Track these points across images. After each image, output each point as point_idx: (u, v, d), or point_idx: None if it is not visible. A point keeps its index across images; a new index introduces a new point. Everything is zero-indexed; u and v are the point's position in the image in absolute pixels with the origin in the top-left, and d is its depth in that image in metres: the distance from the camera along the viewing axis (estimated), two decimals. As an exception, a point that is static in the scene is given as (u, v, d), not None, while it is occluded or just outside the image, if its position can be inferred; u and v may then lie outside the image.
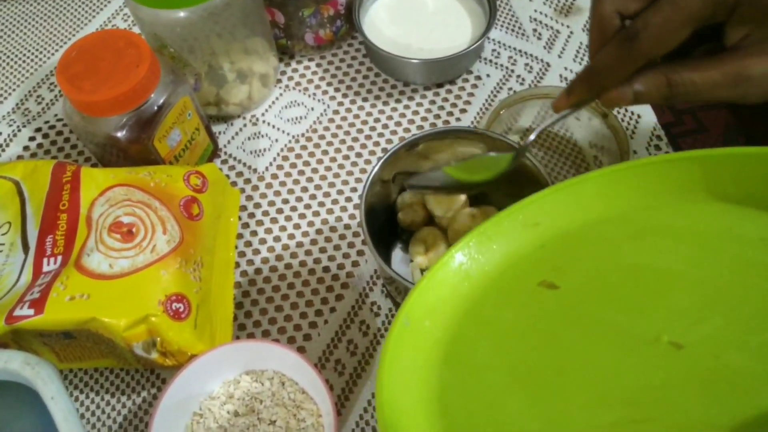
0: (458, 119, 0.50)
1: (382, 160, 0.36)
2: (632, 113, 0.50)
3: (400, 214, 0.40)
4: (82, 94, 0.38)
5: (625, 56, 0.29)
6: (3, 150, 0.50)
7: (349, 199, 0.47)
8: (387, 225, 0.41)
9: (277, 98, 0.52)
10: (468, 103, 0.50)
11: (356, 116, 0.50)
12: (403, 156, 0.37)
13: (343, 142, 0.49)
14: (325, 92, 0.52)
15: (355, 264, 0.44)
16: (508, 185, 0.38)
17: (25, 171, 0.42)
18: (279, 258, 0.45)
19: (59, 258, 0.38)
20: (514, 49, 0.53)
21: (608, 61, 0.30)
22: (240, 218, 0.46)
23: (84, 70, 0.39)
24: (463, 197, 0.39)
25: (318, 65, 0.53)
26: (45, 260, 0.38)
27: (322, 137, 0.50)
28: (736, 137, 0.74)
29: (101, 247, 0.37)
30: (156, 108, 0.41)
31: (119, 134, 0.40)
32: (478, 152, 0.39)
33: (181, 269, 0.38)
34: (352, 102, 0.51)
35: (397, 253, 0.43)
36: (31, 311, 0.35)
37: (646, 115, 0.49)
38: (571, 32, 0.54)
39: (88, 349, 0.39)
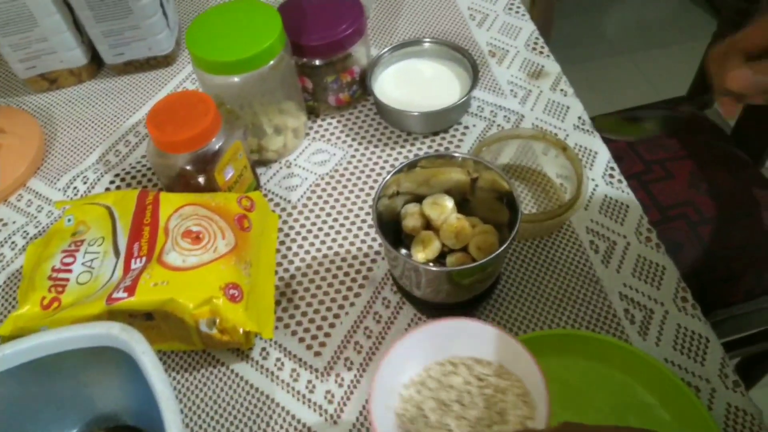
0: (451, 158, 0.62)
1: (389, 175, 0.48)
2: (590, 150, 0.62)
3: (404, 221, 0.51)
4: (165, 135, 0.51)
5: None
6: (90, 191, 0.63)
7: (363, 221, 0.58)
8: (393, 235, 0.52)
9: (306, 147, 0.65)
10: (458, 147, 0.63)
11: (369, 159, 0.63)
12: (404, 175, 0.49)
13: (359, 178, 0.62)
14: (344, 141, 0.65)
15: (369, 269, 0.55)
16: (489, 203, 0.50)
17: (116, 198, 0.54)
18: (309, 266, 0.56)
19: (143, 258, 0.50)
20: (495, 104, 0.66)
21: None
22: (278, 237, 0.58)
23: (166, 119, 0.52)
24: (451, 205, 0.50)
25: (338, 121, 0.67)
26: (133, 260, 0.50)
27: (342, 175, 0.62)
28: (699, 183, 0.86)
29: (176, 248, 0.49)
30: (216, 148, 0.54)
31: (189, 167, 0.53)
32: (463, 176, 0.51)
33: (235, 265, 0.50)
34: (366, 148, 0.64)
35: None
36: (125, 294, 0.47)
37: (601, 152, 0.61)
38: (541, 91, 0.67)
39: (162, 332, 0.50)
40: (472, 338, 0.40)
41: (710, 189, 0.85)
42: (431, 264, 0.50)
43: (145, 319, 0.49)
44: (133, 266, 0.50)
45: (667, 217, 0.82)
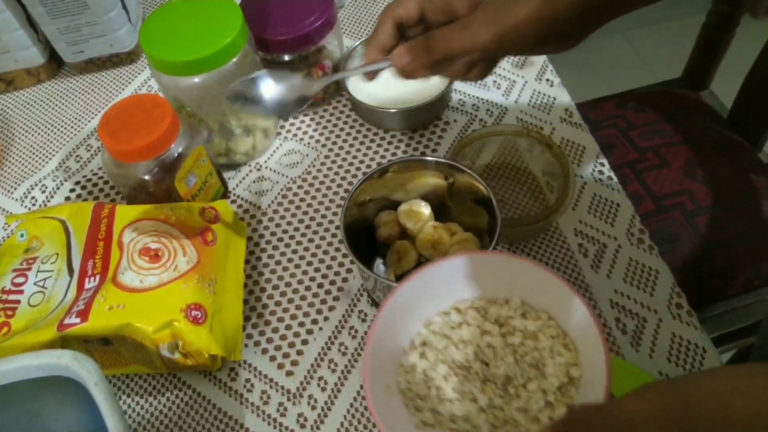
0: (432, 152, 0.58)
1: (356, 186, 0.44)
2: (578, 145, 0.58)
3: (378, 231, 0.48)
4: (119, 144, 0.47)
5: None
6: (48, 200, 0.59)
7: (338, 227, 0.55)
8: (367, 244, 0.49)
9: (277, 148, 0.61)
10: (438, 144, 0.59)
11: (344, 159, 0.59)
12: (376, 182, 0.46)
13: (333, 180, 0.58)
14: (317, 141, 0.61)
15: (344, 280, 0.52)
16: (468, 208, 0.46)
17: (71, 211, 0.51)
18: (280, 278, 0.52)
19: (97, 277, 0.46)
20: (477, 97, 0.62)
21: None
22: (247, 246, 0.54)
23: (120, 126, 0.48)
24: (428, 212, 0.47)
25: (311, 119, 0.63)
26: (87, 279, 0.46)
27: (315, 178, 0.58)
28: (695, 170, 0.82)
29: (133, 267, 0.46)
30: (176, 155, 0.50)
31: (147, 177, 0.49)
32: (440, 180, 0.47)
33: (198, 284, 0.46)
34: (340, 148, 0.60)
35: (378, 269, 0.50)
36: (78, 320, 0.43)
37: (590, 147, 0.58)
38: (526, 81, 0.63)
39: (122, 356, 0.47)
40: (478, 274, 0.32)
41: (706, 176, 0.81)
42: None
43: (102, 344, 0.45)
44: (87, 285, 0.46)
45: (662, 207, 0.78)
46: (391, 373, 0.32)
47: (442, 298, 0.33)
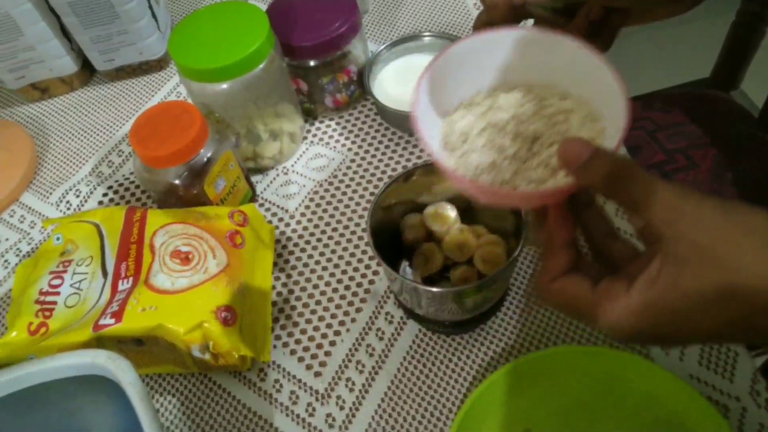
0: (455, 160, 0.59)
1: (382, 189, 0.45)
2: (605, 147, 0.58)
3: (405, 234, 0.48)
4: (149, 151, 0.49)
5: None
6: (82, 204, 0.61)
7: (365, 230, 0.55)
8: (393, 247, 0.49)
9: (303, 152, 0.62)
10: (463, 146, 0.59)
11: (369, 163, 0.60)
12: (401, 186, 0.46)
13: (359, 184, 0.59)
14: (343, 145, 0.62)
15: (371, 282, 0.52)
16: (494, 210, 0.46)
17: (104, 215, 0.52)
18: (308, 280, 0.53)
19: (130, 279, 0.47)
20: (502, 100, 0.62)
21: None
22: (275, 249, 0.55)
23: (150, 133, 0.50)
24: (454, 215, 0.47)
25: (337, 123, 0.63)
26: (120, 281, 0.48)
27: (341, 181, 0.59)
28: (724, 172, 0.81)
29: (165, 269, 0.47)
30: (205, 160, 0.51)
31: (177, 181, 0.50)
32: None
33: (228, 286, 0.47)
34: (366, 152, 0.61)
35: (404, 271, 0.51)
36: (113, 321, 0.44)
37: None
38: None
39: (155, 356, 0.48)
40: (527, 55, 0.34)
41: (736, 178, 0.80)
42: (432, 285, 0.46)
43: (135, 345, 0.47)
44: (120, 287, 0.47)
45: (691, 209, 0.77)
46: (434, 122, 0.34)
47: (489, 75, 0.35)
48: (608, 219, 0.33)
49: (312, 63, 0.58)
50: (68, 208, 0.61)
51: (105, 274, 0.49)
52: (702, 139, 0.84)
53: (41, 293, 0.48)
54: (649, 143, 0.85)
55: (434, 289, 0.41)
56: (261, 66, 0.53)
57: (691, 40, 1.78)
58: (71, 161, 0.65)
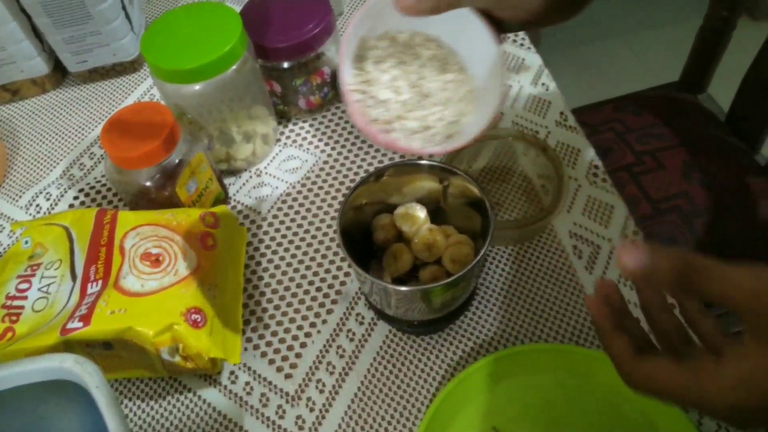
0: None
1: (352, 190, 0.45)
2: (573, 148, 0.59)
3: (375, 234, 0.49)
4: (120, 152, 0.48)
5: None
6: (53, 207, 0.61)
7: (336, 231, 0.55)
8: (364, 247, 0.50)
9: (277, 154, 0.62)
10: (435, 148, 0.60)
11: (342, 164, 0.60)
12: (372, 186, 0.46)
13: (332, 186, 0.59)
14: (317, 147, 0.62)
15: (342, 284, 0.52)
16: (463, 210, 0.47)
17: (74, 218, 0.52)
18: (279, 282, 0.53)
19: (100, 282, 0.47)
20: (473, 102, 0.63)
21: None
22: (247, 251, 0.55)
23: (122, 134, 0.49)
24: (423, 215, 0.47)
25: (311, 125, 0.64)
26: (89, 285, 0.47)
27: (314, 183, 0.59)
28: (692, 173, 0.83)
29: (134, 272, 0.47)
30: (177, 162, 0.51)
31: (148, 183, 0.50)
32: (435, 184, 0.48)
33: (198, 288, 0.47)
34: (339, 153, 0.61)
35: (375, 271, 0.51)
36: (81, 324, 0.44)
37: (584, 149, 0.58)
38: (521, 86, 0.64)
39: (124, 360, 0.48)
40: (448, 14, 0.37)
41: (703, 179, 0.82)
42: (400, 285, 0.47)
43: (104, 348, 0.46)
44: (89, 291, 0.47)
45: (659, 210, 0.79)
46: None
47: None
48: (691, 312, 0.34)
49: (286, 65, 0.59)
50: (38, 212, 0.61)
51: (74, 277, 0.48)
52: (671, 141, 0.86)
53: (8, 297, 0.48)
54: (619, 145, 0.86)
55: (403, 288, 0.41)
56: (234, 67, 0.53)
57: (662, 44, 1.81)
58: (42, 164, 0.64)
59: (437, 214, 0.49)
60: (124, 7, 0.67)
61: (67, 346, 0.45)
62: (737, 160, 0.84)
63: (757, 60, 0.85)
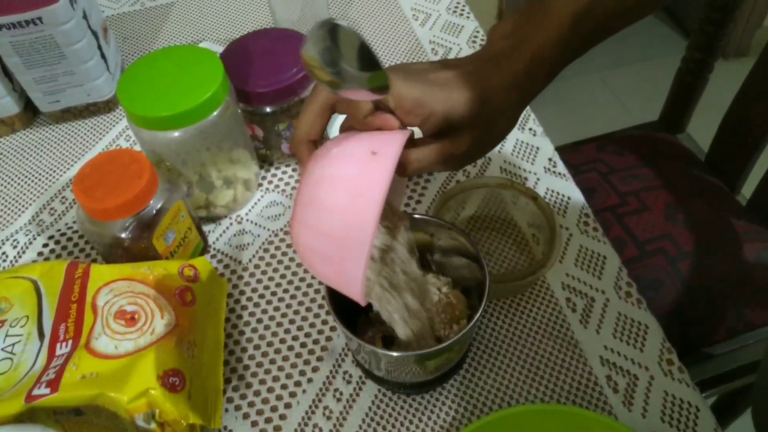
0: (414, 208, 0.58)
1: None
2: (563, 195, 0.58)
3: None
4: (94, 202, 0.46)
5: None
6: (20, 256, 0.57)
7: (321, 283, 0.53)
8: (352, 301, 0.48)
9: (258, 199, 0.60)
10: (422, 195, 0.59)
11: (327, 211, 0.58)
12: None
13: (316, 233, 0.57)
14: (300, 192, 0.60)
15: (328, 339, 0.50)
16: (455, 263, 0.45)
17: (42, 270, 0.49)
18: (261, 337, 0.51)
19: (70, 342, 0.44)
20: (461, 147, 0.62)
21: None
22: (228, 304, 0.53)
23: (95, 183, 0.47)
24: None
25: (294, 170, 0.62)
26: (58, 345, 0.44)
27: (298, 230, 0.57)
28: (675, 214, 0.83)
29: (107, 331, 0.44)
30: (154, 212, 0.49)
31: (123, 235, 0.48)
32: (425, 236, 0.46)
33: (176, 348, 0.44)
34: (324, 199, 0.59)
35: (362, 326, 0.49)
36: (48, 390, 0.41)
37: (574, 197, 0.57)
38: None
39: (95, 426, 0.44)
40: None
41: (687, 220, 0.82)
42: (391, 344, 0.45)
43: (74, 415, 0.43)
44: (58, 351, 0.44)
45: (645, 252, 0.78)
46: None
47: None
48: None
49: (268, 109, 0.57)
50: (4, 260, 0.57)
51: (41, 336, 0.45)
52: (653, 181, 0.86)
53: (-31, 358, 0.45)
54: (603, 186, 0.86)
55: (394, 354, 0.39)
56: (215, 113, 0.51)
57: (639, 81, 1.85)
58: (9, 209, 0.61)
59: (427, 265, 0.47)
60: (99, 47, 0.65)
61: (33, 413, 0.42)
62: (719, 201, 0.85)
63: (735, 101, 0.86)
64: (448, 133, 0.39)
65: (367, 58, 0.32)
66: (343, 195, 0.33)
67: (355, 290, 0.35)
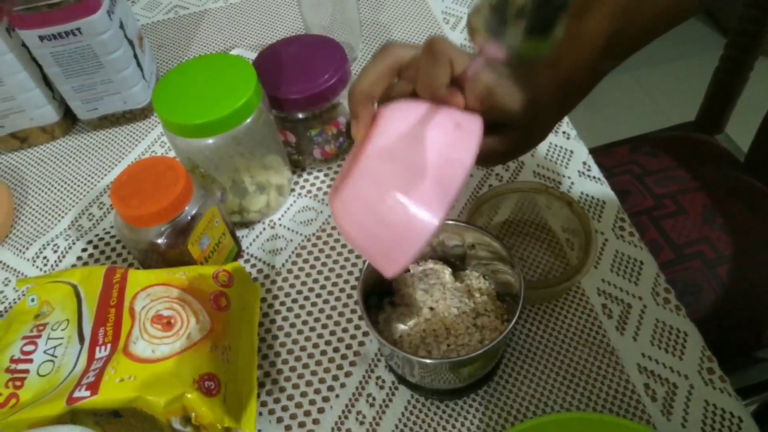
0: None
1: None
2: (597, 199, 0.57)
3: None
4: (131, 210, 0.47)
5: None
6: (60, 260, 0.59)
7: (354, 287, 0.54)
8: (381, 301, 0.48)
9: (291, 205, 0.60)
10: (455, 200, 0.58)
11: (359, 216, 0.58)
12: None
13: (348, 238, 0.57)
14: (332, 197, 0.60)
15: (361, 344, 0.50)
16: (489, 269, 0.45)
17: (82, 275, 0.50)
18: (295, 342, 0.51)
19: (108, 345, 0.45)
20: (493, 151, 0.61)
21: None
22: (261, 308, 0.53)
23: (132, 191, 0.48)
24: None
25: (326, 175, 0.62)
26: (97, 348, 0.45)
27: (330, 235, 0.57)
28: (714, 217, 0.81)
29: (145, 336, 0.44)
30: (189, 218, 0.49)
31: (159, 241, 0.48)
32: (458, 242, 0.46)
33: (211, 352, 0.45)
34: (356, 204, 0.59)
35: (397, 329, 0.49)
36: (88, 393, 0.42)
37: (609, 201, 0.57)
38: (541, 134, 0.62)
39: (133, 428, 0.45)
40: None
41: (726, 223, 0.79)
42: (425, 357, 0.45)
43: (112, 417, 0.44)
44: (97, 355, 0.45)
45: (683, 256, 0.76)
46: None
47: None
48: None
49: (300, 115, 0.57)
50: (45, 264, 0.59)
51: (81, 339, 0.46)
52: (690, 183, 0.84)
53: (12, 361, 0.46)
54: (638, 188, 0.84)
55: (428, 361, 0.39)
56: (248, 120, 0.52)
57: (674, 80, 1.81)
58: (50, 214, 0.63)
59: (462, 264, 0.47)
60: (135, 56, 0.66)
61: (74, 415, 0.43)
62: (759, 203, 0.82)
63: (776, 102, 0.83)
64: (497, 129, 0.39)
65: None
66: (434, 156, 0.31)
67: (397, 266, 0.32)
